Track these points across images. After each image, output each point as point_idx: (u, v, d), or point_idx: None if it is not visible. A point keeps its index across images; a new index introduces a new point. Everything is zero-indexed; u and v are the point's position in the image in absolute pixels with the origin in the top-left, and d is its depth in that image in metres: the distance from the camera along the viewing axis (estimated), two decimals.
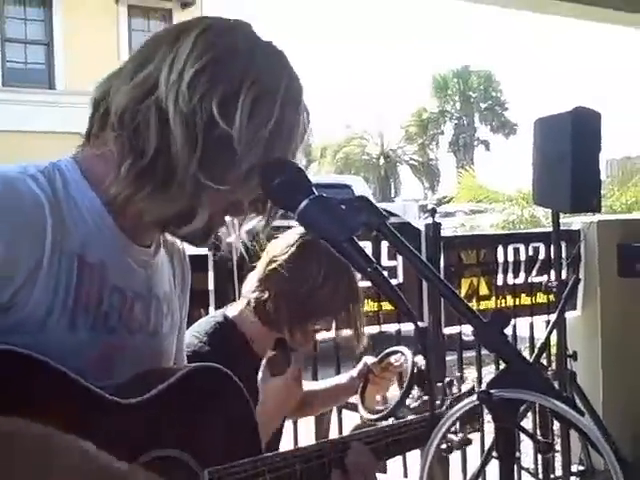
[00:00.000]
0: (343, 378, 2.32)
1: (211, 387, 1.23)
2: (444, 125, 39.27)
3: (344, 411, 3.09)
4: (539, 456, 3.88)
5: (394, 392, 2.18)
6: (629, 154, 14.80)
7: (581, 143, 3.45)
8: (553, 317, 3.66)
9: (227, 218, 1.23)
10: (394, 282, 3.35)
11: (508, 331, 1.03)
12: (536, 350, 3.76)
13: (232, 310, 2.02)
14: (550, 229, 3.79)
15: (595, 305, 4.23)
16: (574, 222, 4.31)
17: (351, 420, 2.53)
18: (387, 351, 2.24)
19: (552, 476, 3.77)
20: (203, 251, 2.67)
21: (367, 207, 1.04)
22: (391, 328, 3.52)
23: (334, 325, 2.04)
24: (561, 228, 3.79)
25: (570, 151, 3.41)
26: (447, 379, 1.89)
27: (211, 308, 2.82)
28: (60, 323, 1.08)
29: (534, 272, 4.02)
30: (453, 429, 1.72)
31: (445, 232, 3.89)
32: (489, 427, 3.85)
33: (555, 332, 3.65)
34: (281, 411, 1.90)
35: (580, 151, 3.44)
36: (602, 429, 3.44)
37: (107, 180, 1.11)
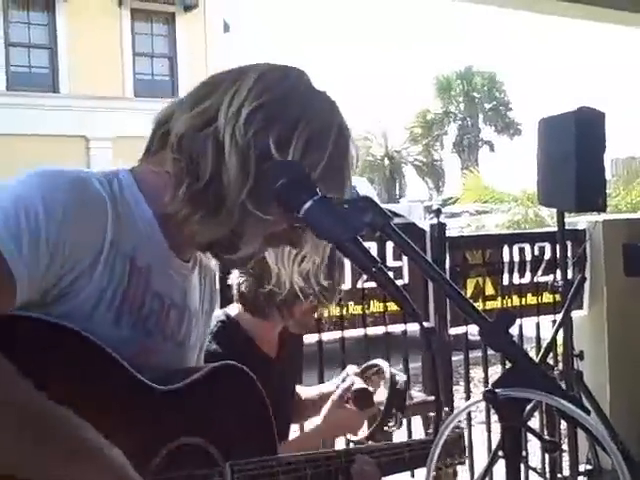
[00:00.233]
0: (329, 386, 2.29)
1: (233, 383, 1.29)
2: (448, 126, 39.22)
3: None
4: (546, 456, 3.87)
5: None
6: (634, 154, 14.77)
7: (585, 143, 3.44)
8: (559, 317, 3.66)
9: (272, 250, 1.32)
10: (399, 283, 3.35)
11: (514, 331, 1.03)
12: (542, 350, 3.75)
13: (233, 309, 2.02)
14: (555, 229, 3.78)
15: (601, 304, 4.23)
16: (579, 222, 4.31)
17: None
18: (367, 364, 2.19)
19: (559, 476, 3.76)
20: None
21: (371, 207, 1.04)
22: (397, 329, 3.52)
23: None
24: (566, 228, 3.78)
25: (574, 151, 3.41)
26: (432, 414, 1.86)
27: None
28: (106, 317, 1.14)
29: (540, 272, 4.02)
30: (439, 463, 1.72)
31: (450, 232, 3.89)
32: (496, 427, 3.87)
33: (561, 332, 3.65)
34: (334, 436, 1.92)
35: (584, 151, 3.44)
36: (609, 428, 3.43)
37: (164, 198, 1.18)
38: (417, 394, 3.24)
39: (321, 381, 3.07)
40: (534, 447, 3.90)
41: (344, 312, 3.34)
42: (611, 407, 4.06)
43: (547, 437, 1.29)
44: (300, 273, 1.38)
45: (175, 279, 1.27)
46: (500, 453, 0.96)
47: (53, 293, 1.08)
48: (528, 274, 4.00)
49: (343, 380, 2.16)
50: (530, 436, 2.80)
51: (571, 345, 3.66)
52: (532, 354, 3.75)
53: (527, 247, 4.02)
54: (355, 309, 3.42)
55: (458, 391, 4.84)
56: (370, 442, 1.92)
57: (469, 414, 3.87)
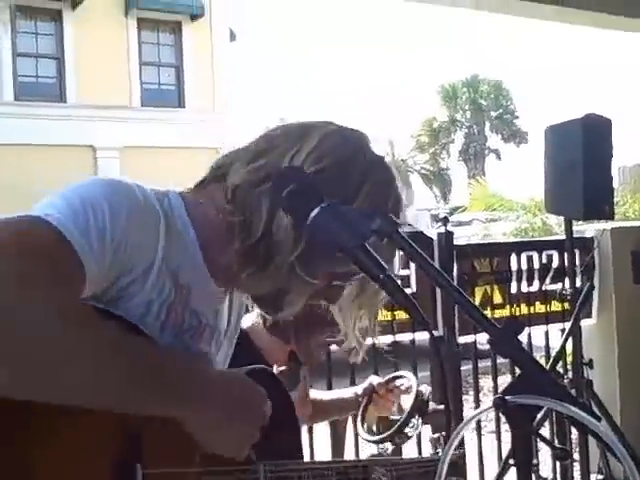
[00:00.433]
0: (347, 393, 2.31)
1: (264, 385, 1.32)
2: (454, 134, 39.20)
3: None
4: (557, 465, 3.85)
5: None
6: None
7: (592, 150, 3.43)
8: (568, 325, 3.64)
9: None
10: (407, 291, 3.33)
11: (523, 339, 1.02)
12: (552, 358, 3.73)
13: (245, 321, 2.02)
14: (563, 237, 3.77)
15: (610, 312, 4.21)
16: (587, 230, 4.29)
17: None
18: (394, 374, 2.24)
19: None
20: None
21: (378, 214, 1.04)
22: (405, 338, 3.51)
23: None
24: (575, 236, 3.77)
25: (582, 158, 3.40)
26: (435, 435, 1.89)
27: None
28: (154, 326, 1.17)
29: (548, 280, 4.00)
30: None
31: (458, 241, 3.88)
32: (506, 436, 3.85)
33: (570, 340, 3.63)
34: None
35: (592, 158, 3.43)
36: (620, 436, 3.41)
37: (208, 227, 1.23)
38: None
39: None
40: (545, 456, 3.87)
41: None
42: (621, 415, 4.04)
43: (557, 445, 1.28)
44: (360, 330, 1.40)
45: (210, 300, 1.29)
46: (511, 461, 0.95)
47: (111, 293, 1.11)
48: (536, 282, 3.99)
49: (364, 389, 2.19)
50: (540, 445, 2.78)
51: (580, 353, 3.64)
52: (541, 363, 3.73)
53: (535, 255, 4.01)
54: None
55: (467, 400, 4.82)
56: (386, 445, 1.94)
57: (479, 423, 3.86)
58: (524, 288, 3.94)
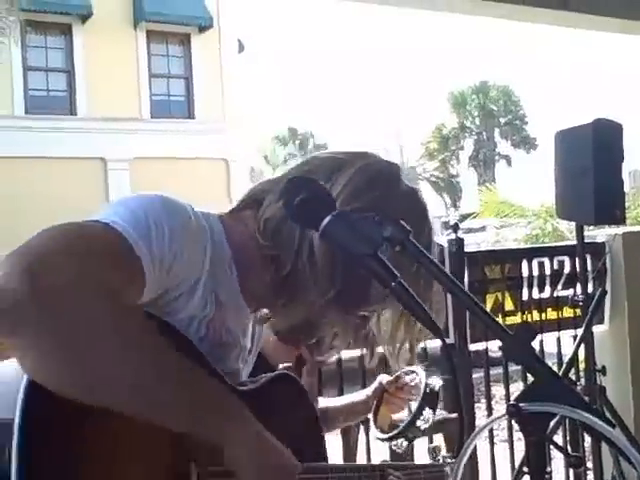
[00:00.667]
0: (359, 396, 2.31)
1: (290, 389, 1.39)
2: (464, 141, 39.20)
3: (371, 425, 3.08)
4: (570, 473, 3.82)
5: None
6: None
7: (603, 155, 3.42)
8: (580, 331, 3.62)
9: None
10: None
11: (535, 346, 1.02)
12: (564, 365, 3.71)
13: None
14: (575, 242, 3.75)
15: (623, 318, 4.18)
16: (598, 235, 4.27)
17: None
18: (402, 370, 2.22)
19: None
20: None
21: (390, 222, 1.04)
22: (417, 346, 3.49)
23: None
24: (586, 241, 3.75)
25: (592, 163, 3.38)
26: (432, 445, 1.90)
27: None
28: (193, 339, 1.19)
29: (560, 286, 3.98)
30: None
31: (469, 248, 3.87)
32: (518, 445, 3.83)
33: (583, 346, 3.61)
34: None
35: (602, 163, 3.41)
36: (634, 443, 3.38)
37: (242, 251, 1.26)
38: (438, 411, 3.21)
39: None
40: (557, 464, 3.85)
41: None
42: (635, 422, 4.00)
43: (570, 452, 1.28)
44: (405, 360, 1.42)
45: (241, 320, 1.32)
46: (525, 469, 0.95)
47: (159, 304, 1.13)
48: (548, 288, 3.97)
49: (374, 389, 2.18)
50: (553, 453, 2.77)
51: (593, 360, 3.62)
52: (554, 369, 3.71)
53: (546, 261, 3.98)
54: None
55: (479, 408, 4.79)
56: (400, 442, 1.94)
57: (491, 431, 3.83)
58: (535, 294, 3.92)
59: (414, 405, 2.05)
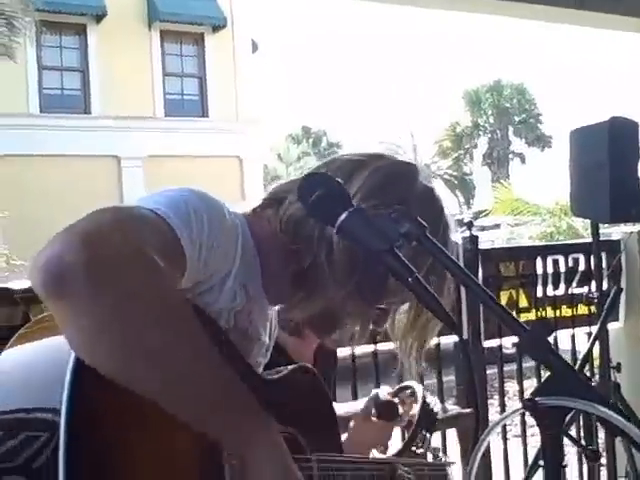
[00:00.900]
0: (359, 404, 2.28)
1: (309, 382, 1.41)
2: (478, 139, 39.06)
3: None
4: (584, 469, 3.82)
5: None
6: None
7: (619, 152, 3.41)
8: (595, 329, 3.62)
9: None
10: None
11: (550, 342, 1.02)
12: (579, 362, 3.70)
13: None
14: (590, 240, 3.74)
15: (638, 315, 4.16)
16: (614, 232, 4.26)
17: None
18: (400, 385, 2.20)
19: None
20: None
21: (406, 218, 1.05)
22: (430, 342, 3.50)
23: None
24: (601, 239, 3.74)
25: (608, 161, 3.38)
26: (432, 446, 1.90)
27: None
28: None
29: (574, 283, 3.97)
30: None
31: (482, 245, 3.87)
32: (531, 440, 3.83)
33: (598, 344, 3.60)
34: (363, 452, 1.97)
35: (618, 160, 3.41)
36: None
37: (265, 248, 1.28)
38: (451, 407, 3.22)
39: (354, 396, 3.07)
40: (571, 460, 3.85)
41: None
42: None
43: (587, 446, 1.28)
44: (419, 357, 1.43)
45: (262, 315, 1.34)
46: (540, 463, 0.96)
47: (191, 294, 1.14)
48: (562, 286, 3.96)
49: (372, 399, 2.16)
50: (567, 449, 2.77)
51: (608, 357, 3.61)
52: None
53: (561, 259, 3.97)
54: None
55: (492, 404, 4.79)
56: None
57: (504, 427, 3.83)
58: (550, 292, 3.91)
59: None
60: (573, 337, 4.01)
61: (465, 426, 2.06)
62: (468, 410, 1.96)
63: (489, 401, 4.25)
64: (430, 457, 1.88)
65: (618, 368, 3.70)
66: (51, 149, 15.64)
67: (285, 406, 1.29)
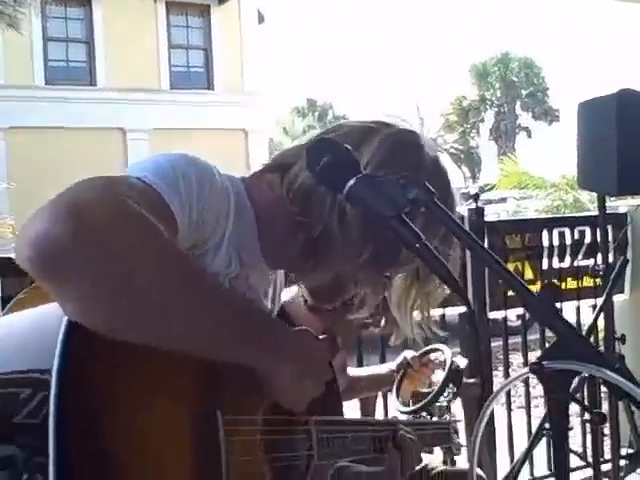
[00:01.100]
0: (382, 369, 2.33)
1: None
2: (485, 113, 38.84)
3: (389, 395, 3.11)
4: (587, 440, 3.85)
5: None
6: None
7: (627, 125, 3.38)
8: (600, 301, 3.62)
9: None
10: None
11: (557, 307, 1.02)
12: (584, 333, 3.71)
13: (285, 295, 2.05)
14: (596, 213, 3.73)
15: None
16: (620, 205, 4.25)
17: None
18: (428, 347, 2.24)
19: (601, 459, 3.73)
20: None
21: (414, 184, 1.05)
22: (435, 313, 3.51)
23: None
24: (607, 212, 3.73)
25: (615, 133, 3.35)
26: (439, 404, 1.92)
27: None
28: None
29: (580, 256, 3.97)
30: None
31: (488, 219, 3.86)
32: (535, 412, 3.85)
33: (603, 315, 3.61)
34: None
35: (626, 133, 3.38)
36: None
37: (266, 212, 1.28)
38: None
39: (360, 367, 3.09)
40: (575, 431, 3.87)
41: None
42: None
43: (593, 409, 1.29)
44: (418, 324, 1.43)
45: (262, 281, 1.34)
46: (546, 426, 0.96)
47: None
48: (568, 258, 3.96)
49: (399, 364, 2.21)
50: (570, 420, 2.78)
51: (612, 329, 3.62)
52: None
53: (567, 231, 3.97)
54: None
55: (497, 376, 4.82)
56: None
57: (509, 397, 3.86)
58: (555, 264, 3.91)
59: (436, 379, 2.08)
60: (578, 309, 4.02)
61: (470, 396, 2.08)
62: (473, 380, 1.98)
63: (494, 372, 4.27)
64: (437, 413, 1.91)
65: (623, 340, 3.71)
66: (56, 121, 15.62)
67: None
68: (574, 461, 3.74)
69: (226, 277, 1.22)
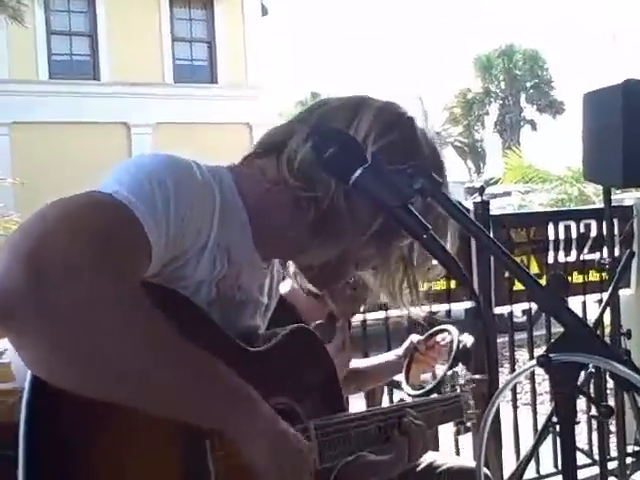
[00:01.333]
0: (390, 356, 2.33)
1: (307, 344, 1.40)
2: (489, 105, 38.74)
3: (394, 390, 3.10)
4: (594, 437, 3.83)
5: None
6: None
7: (633, 116, 3.36)
8: (606, 295, 3.60)
9: None
10: None
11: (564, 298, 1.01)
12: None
13: (284, 286, 2.03)
14: (602, 206, 3.71)
15: None
16: (626, 198, 4.22)
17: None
18: (434, 329, 2.23)
19: (607, 457, 3.72)
20: None
21: (421, 174, 1.03)
22: (441, 308, 3.51)
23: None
24: (613, 204, 3.71)
25: (621, 124, 3.33)
26: (450, 372, 1.91)
27: None
28: (201, 304, 1.17)
29: (586, 250, 3.95)
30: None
31: (493, 212, 3.85)
32: (542, 408, 3.84)
33: (608, 310, 3.59)
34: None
35: (632, 124, 3.35)
36: None
37: (258, 201, 1.24)
38: (463, 372, 3.23)
39: None
40: (580, 427, 3.86)
41: None
42: None
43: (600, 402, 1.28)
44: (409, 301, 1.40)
45: (255, 275, 1.31)
46: (554, 419, 0.95)
47: (166, 272, 1.10)
48: (574, 252, 3.94)
49: (405, 349, 2.20)
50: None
51: (618, 323, 3.60)
52: None
53: (573, 225, 3.95)
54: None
55: (503, 373, 4.81)
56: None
57: (515, 394, 3.85)
58: (561, 258, 3.90)
59: (441, 368, 2.07)
60: (584, 304, 4.00)
61: (476, 392, 2.06)
62: (479, 376, 1.96)
63: (499, 369, 4.26)
64: (449, 381, 1.90)
65: (629, 335, 3.69)
66: (60, 116, 15.61)
67: (281, 375, 1.28)
68: (580, 459, 3.73)
69: (212, 281, 1.18)
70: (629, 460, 3.77)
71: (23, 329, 0.86)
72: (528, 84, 38.50)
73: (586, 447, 3.91)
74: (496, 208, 4.35)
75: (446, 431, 3.14)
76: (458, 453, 3.39)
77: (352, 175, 1.05)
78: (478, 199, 3.56)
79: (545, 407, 4.26)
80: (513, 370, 3.92)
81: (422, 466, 2.11)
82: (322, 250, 1.23)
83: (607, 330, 3.92)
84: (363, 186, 1.05)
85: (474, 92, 38.28)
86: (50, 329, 0.86)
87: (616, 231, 3.90)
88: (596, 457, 3.65)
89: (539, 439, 3.20)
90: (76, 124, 15.87)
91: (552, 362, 0.93)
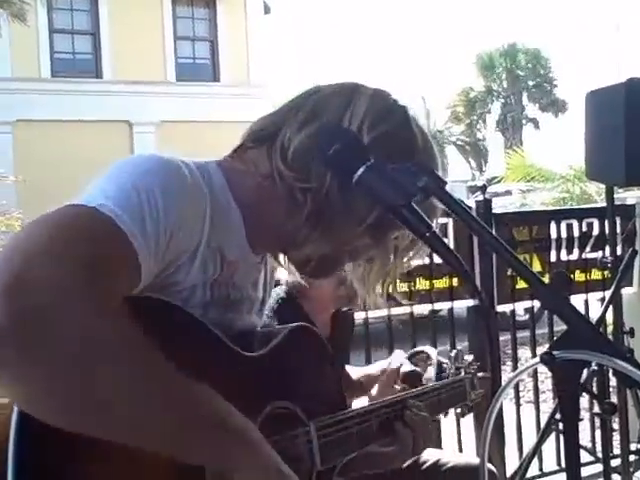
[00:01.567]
0: (373, 368, 2.31)
1: (307, 343, 1.38)
2: (491, 104, 38.67)
3: None
4: (597, 434, 3.83)
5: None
6: None
7: (635, 115, 3.35)
8: (608, 294, 3.60)
9: None
10: None
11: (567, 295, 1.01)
12: None
13: (291, 285, 2.03)
14: (604, 205, 3.71)
15: None
16: (628, 197, 4.22)
17: None
18: (415, 350, 2.23)
19: (610, 454, 3.72)
20: None
21: (424, 172, 1.04)
22: (444, 306, 3.51)
23: None
24: (615, 203, 3.71)
25: (624, 123, 3.32)
26: (453, 352, 1.91)
27: None
28: (196, 307, 1.16)
29: (588, 248, 3.95)
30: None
31: (495, 211, 3.85)
32: (544, 406, 3.84)
33: (611, 309, 3.59)
34: None
35: (634, 123, 3.35)
36: None
37: (250, 195, 1.21)
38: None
39: (368, 361, 3.08)
40: (584, 425, 3.86)
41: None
42: None
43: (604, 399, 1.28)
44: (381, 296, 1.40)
45: (250, 272, 1.30)
46: (557, 417, 0.95)
47: (157, 281, 1.07)
48: (576, 251, 3.94)
49: (390, 363, 2.18)
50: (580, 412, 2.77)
51: (621, 322, 3.59)
52: None
53: (575, 223, 3.95)
54: (401, 287, 3.40)
55: (505, 371, 4.81)
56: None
57: (517, 393, 3.85)
58: (563, 256, 3.90)
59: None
60: (586, 302, 4.00)
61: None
62: (482, 374, 1.96)
63: (502, 367, 4.26)
64: (452, 362, 1.90)
65: (631, 333, 3.68)
66: (62, 114, 15.62)
67: (281, 378, 1.26)
68: (583, 456, 3.72)
69: (206, 283, 1.17)
70: (632, 457, 3.77)
71: (2, 363, 0.83)
72: (530, 83, 38.44)
73: (589, 445, 3.91)
74: (498, 207, 4.36)
75: (449, 429, 3.17)
76: (461, 450, 3.39)
77: (355, 173, 1.04)
78: (480, 197, 3.57)
79: (548, 405, 4.26)
80: (515, 368, 3.92)
81: (428, 464, 2.11)
82: (317, 243, 1.20)
83: (610, 329, 3.92)
84: (366, 184, 1.05)
85: (476, 91, 38.22)
86: (32, 366, 0.83)
87: (618, 230, 3.91)
88: (599, 455, 3.65)
89: (542, 437, 3.20)
90: (78, 122, 15.88)
91: (555, 360, 0.93)
